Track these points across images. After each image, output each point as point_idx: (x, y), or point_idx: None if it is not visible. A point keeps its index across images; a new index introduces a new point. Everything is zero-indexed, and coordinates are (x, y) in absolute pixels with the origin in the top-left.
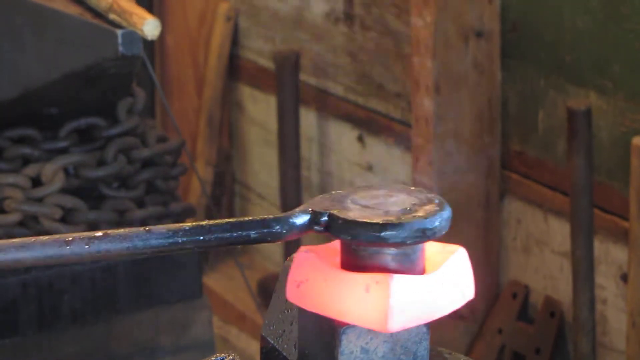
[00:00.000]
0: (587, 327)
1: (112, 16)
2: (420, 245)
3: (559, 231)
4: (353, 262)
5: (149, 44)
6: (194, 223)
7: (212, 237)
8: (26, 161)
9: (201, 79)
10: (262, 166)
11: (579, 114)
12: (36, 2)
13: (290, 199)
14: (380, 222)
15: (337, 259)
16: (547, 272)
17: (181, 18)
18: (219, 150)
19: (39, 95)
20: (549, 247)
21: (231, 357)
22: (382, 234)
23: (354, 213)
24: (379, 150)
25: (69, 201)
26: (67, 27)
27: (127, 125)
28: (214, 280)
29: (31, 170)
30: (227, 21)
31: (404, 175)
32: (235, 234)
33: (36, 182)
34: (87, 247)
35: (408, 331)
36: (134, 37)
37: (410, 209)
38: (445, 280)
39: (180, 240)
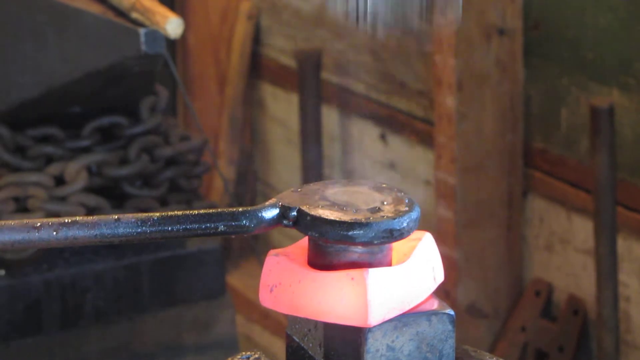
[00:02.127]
0: (611, 324)
1: (134, 15)
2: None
3: (582, 229)
4: (321, 258)
5: (171, 43)
6: (162, 213)
7: (180, 227)
8: (49, 160)
9: (223, 78)
10: (284, 164)
11: (601, 111)
12: (59, 1)
13: None
14: (349, 221)
15: (310, 258)
16: (570, 270)
17: (203, 17)
18: (241, 149)
19: (62, 93)
20: (572, 245)
21: (256, 356)
22: (350, 233)
23: (323, 210)
24: (401, 148)
25: (92, 200)
26: (90, 26)
27: (149, 123)
28: (237, 279)
29: (54, 169)
30: (248, 20)
31: (426, 173)
32: (203, 226)
33: (59, 180)
34: (55, 233)
35: (434, 329)
36: (156, 35)
37: (379, 208)
38: (418, 268)
39: (148, 230)
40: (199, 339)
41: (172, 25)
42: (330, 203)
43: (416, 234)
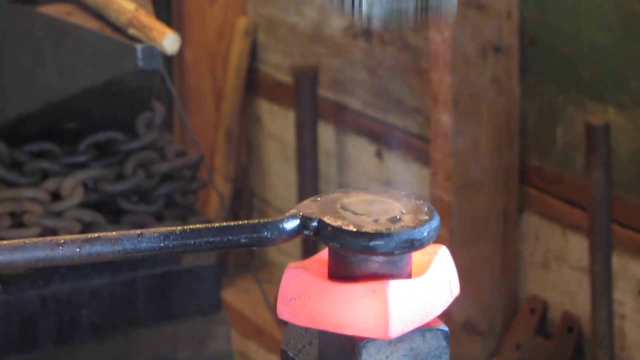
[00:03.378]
0: (605, 342)
1: (131, 31)
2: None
3: (577, 246)
4: (342, 269)
5: (167, 59)
6: (184, 227)
7: (202, 241)
8: (45, 175)
9: (219, 94)
10: (280, 181)
11: (597, 129)
12: (56, 17)
13: None
14: (370, 232)
15: (328, 271)
16: (565, 287)
17: (200, 33)
18: (237, 165)
19: (59, 109)
20: (567, 263)
21: None
22: (371, 243)
23: (344, 221)
24: (397, 165)
25: (88, 215)
26: (87, 42)
27: (146, 139)
28: (232, 295)
29: (50, 184)
30: (245, 36)
31: (422, 190)
32: (225, 239)
33: (55, 196)
34: (78, 250)
35: (428, 345)
36: (153, 51)
37: (399, 218)
38: (436, 280)
39: (170, 244)
40: (194, 354)
41: (169, 41)
42: (351, 213)
43: (433, 247)
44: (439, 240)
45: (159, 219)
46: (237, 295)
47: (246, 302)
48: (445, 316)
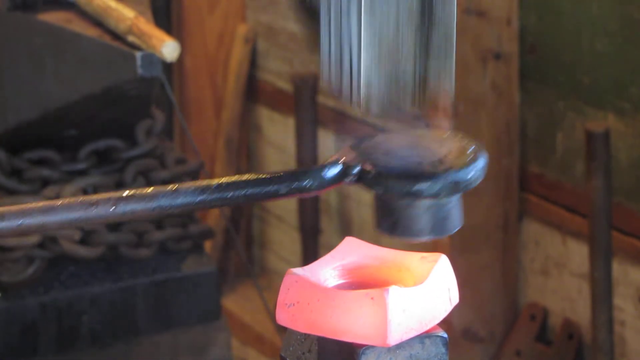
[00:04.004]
0: (606, 348)
1: (131, 38)
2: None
3: (578, 253)
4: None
5: (167, 66)
6: (221, 180)
7: (240, 193)
8: (45, 182)
9: (219, 101)
10: None
11: (597, 136)
12: (56, 25)
13: (309, 221)
14: (414, 174)
15: (327, 278)
16: (565, 294)
17: (200, 40)
18: (237, 172)
19: (59, 116)
20: (567, 269)
21: None
22: (416, 187)
23: (386, 165)
24: None
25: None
26: (87, 49)
27: (145, 147)
28: (232, 302)
29: (50, 191)
30: (245, 43)
31: None
32: (263, 190)
33: None
34: (112, 208)
35: (427, 351)
36: (153, 59)
37: (444, 160)
38: (435, 289)
39: (207, 198)
40: None
41: (168, 48)
42: (393, 156)
43: (432, 255)
44: (439, 246)
45: (159, 226)
46: (238, 302)
47: (246, 309)
48: (445, 323)
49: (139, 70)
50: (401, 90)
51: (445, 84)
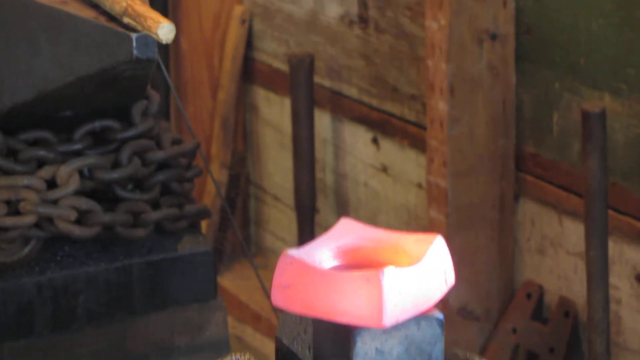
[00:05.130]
0: (602, 327)
1: (126, 20)
2: None
3: (574, 232)
4: None
5: (163, 47)
6: None
7: None
8: (41, 163)
9: (216, 82)
10: (276, 168)
11: (593, 116)
12: (51, 6)
13: (305, 200)
14: None
15: (322, 260)
16: (561, 272)
17: (196, 21)
18: (234, 153)
19: (54, 98)
20: (563, 248)
21: (247, 357)
22: None
23: None
24: (393, 152)
25: (84, 203)
26: (82, 31)
27: (141, 127)
28: (228, 281)
29: (46, 172)
30: (241, 24)
31: (419, 177)
32: None
33: (51, 184)
34: None
35: (423, 332)
36: (148, 40)
37: None
38: (431, 270)
39: None
40: (190, 340)
41: (164, 30)
42: None
43: (428, 236)
44: (435, 226)
45: (155, 206)
46: (234, 281)
47: (243, 288)
48: (441, 302)
49: (135, 52)
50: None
51: None
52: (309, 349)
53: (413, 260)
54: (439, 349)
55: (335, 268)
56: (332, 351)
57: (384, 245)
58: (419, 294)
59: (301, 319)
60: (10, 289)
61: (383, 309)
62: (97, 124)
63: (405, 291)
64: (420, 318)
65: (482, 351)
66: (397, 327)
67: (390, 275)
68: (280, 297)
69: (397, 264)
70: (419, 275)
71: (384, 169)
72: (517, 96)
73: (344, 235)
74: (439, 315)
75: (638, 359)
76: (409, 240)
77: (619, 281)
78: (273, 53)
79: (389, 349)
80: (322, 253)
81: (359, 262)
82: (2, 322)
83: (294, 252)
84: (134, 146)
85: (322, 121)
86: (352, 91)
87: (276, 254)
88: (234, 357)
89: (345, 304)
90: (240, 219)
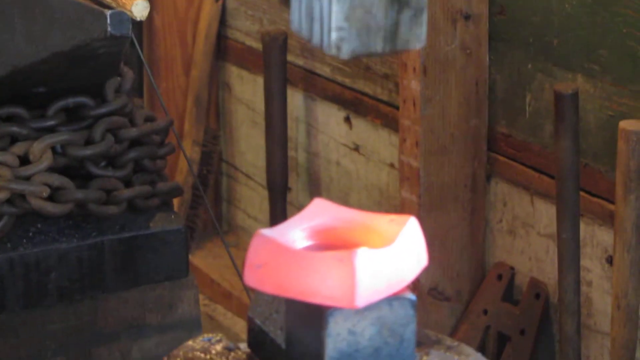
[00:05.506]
0: (572, 308)
1: None
2: None
3: (545, 213)
4: None
5: (137, 24)
6: None
7: None
8: (14, 139)
9: (189, 59)
10: (249, 146)
11: (566, 97)
12: None
13: (277, 179)
14: None
15: (295, 240)
16: (532, 254)
17: None
18: (206, 130)
19: (27, 74)
20: (534, 229)
21: (218, 338)
22: None
23: None
24: (365, 131)
25: (57, 180)
26: (56, 7)
27: (115, 104)
28: (200, 259)
29: (19, 148)
30: (215, 1)
31: (391, 156)
32: None
33: (24, 160)
34: None
35: (395, 314)
36: (122, 17)
37: None
38: (403, 251)
39: None
40: (162, 319)
41: (138, 7)
42: None
43: (402, 217)
44: (407, 206)
45: (127, 183)
46: (206, 260)
47: (214, 267)
48: (412, 282)
49: (109, 29)
50: (372, 36)
51: (417, 36)
52: (281, 329)
53: (386, 241)
54: (411, 330)
55: (308, 248)
56: (305, 331)
57: (357, 226)
58: (392, 275)
59: (274, 299)
60: None
61: (355, 289)
62: (71, 101)
63: (378, 272)
64: (393, 299)
65: (453, 332)
66: (369, 308)
67: (363, 256)
68: (253, 277)
69: (370, 244)
70: (392, 257)
71: (357, 148)
72: (490, 76)
73: (317, 215)
74: (412, 296)
75: (608, 341)
76: (383, 221)
77: (590, 263)
78: (246, 31)
79: (361, 330)
80: (295, 233)
81: (332, 243)
82: None
83: (267, 232)
84: (107, 123)
85: (295, 100)
86: (325, 70)
87: (248, 232)
88: (205, 337)
89: (317, 285)
90: (212, 197)
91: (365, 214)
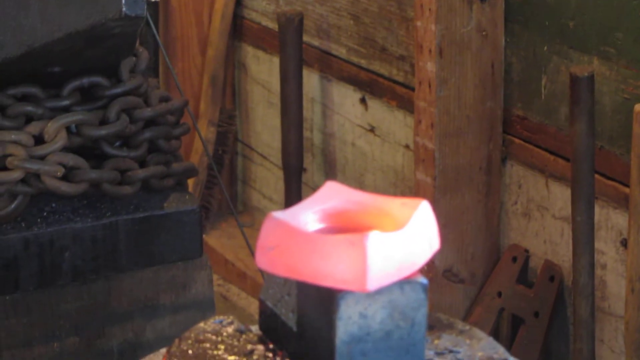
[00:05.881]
0: (586, 291)
1: None
2: None
3: (560, 196)
4: None
5: (153, 4)
6: None
7: None
8: (29, 119)
9: (205, 39)
10: (264, 126)
11: (581, 80)
12: None
13: (293, 159)
14: None
15: (308, 222)
16: (547, 236)
17: None
18: (222, 110)
19: (43, 53)
20: (549, 212)
21: (229, 320)
22: None
23: None
24: (381, 112)
25: (71, 159)
26: None
27: (130, 84)
28: (215, 239)
29: (34, 127)
30: None
31: (406, 138)
32: None
33: (39, 140)
34: None
35: (406, 297)
36: None
37: None
38: (415, 234)
39: None
40: (175, 299)
41: None
42: None
43: (414, 201)
44: (422, 187)
45: (142, 164)
46: (220, 240)
47: (229, 247)
48: (426, 264)
49: (124, 9)
50: None
51: None
52: (293, 312)
53: (398, 224)
54: (422, 313)
55: (320, 231)
56: (316, 314)
57: (369, 209)
58: (403, 259)
59: (285, 282)
60: None
61: (367, 273)
62: (86, 80)
63: (389, 255)
64: (404, 283)
65: (467, 314)
66: (380, 292)
67: (375, 240)
68: (265, 260)
69: (382, 228)
70: (404, 240)
71: (372, 129)
72: (505, 59)
73: (329, 198)
74: (423, 280)
75: (622, 324)
76: (394, 205)
77: (605, 246)
78: (262, 11)
79: (372, 313)
80: (307, 216)
81: (344, 226)
82: None
83: (279, 214)
84: (122, 103)
85: (311, 80)
86: (340, 51)
87: (263, 213)
88: (216, 319)
89: (329, 268)
90: (228, 177)
91: (378, 197)
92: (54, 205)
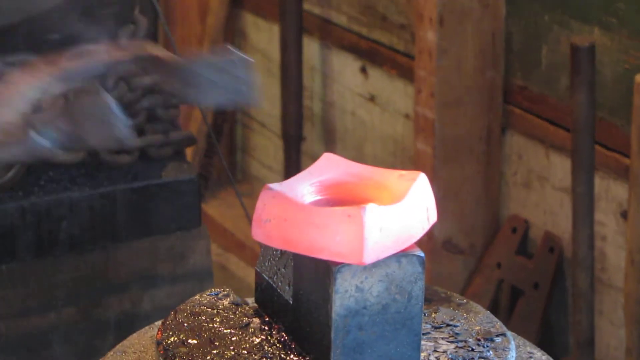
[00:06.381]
0: (586, 263)
1: None
2: None
3: (560, 167)
4: None
5: None
6: None
7: None
8: None
9: (205, 7)
10: (264, 95)
11: (582, 50)
12: None
13: (292, 128)
14: None
15: (304, 194)
16: (547, 207)
17: None
18: None
19: (41, 21)
20: (549, 183)
21: (225, 292)
22: None
23: None
24: (381, 81)
25: None
26: None
27: None
28: (213, 208)
29: None
30: None
31: (406, 107)
32: None
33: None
34: None
35: (403, 270)
36: None
37: None
38: (413, 207)
39: None
40: (173, 269)
41: None
42: None
43: (411, 173)
44: (422, 157)
45: (140, 132)
46: (219, 209)
47: (227, 216)
48: (426, 235)
49: None
50: None
51: None
52: (289, 285)
53: (395, 197)
54: (419, 287)
55: (316, 203)
56: (312, 287)
57: (366, 182)
58: (400, 232)
59: (282, 254)
60: None
61: (364, 245)
62: (84, 48)
63: (386, 228)
64: (401, 256)
65: (466, 285)
66: (377, 265)
67: (372, 212)
68: (261, 232)
69: (379, 200)
70: (401, 213)
71: (372, 98)
72: (506, 28)
73: (326, 170)
74: (420, 253)
75: (622, 296)
76: (392, 177)
77: (605, 217)
78: None
79: (369, 287)
80: (304, 188)
81: (341, 198)
82: None
83: (275, 186)
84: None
85: (311, 49)
86: (341, 19)
87: (262, 182)
88: (212, 292)
89: (326, 240)
90: (227, 146)
91: (375, 170)
92: (51, 174)
